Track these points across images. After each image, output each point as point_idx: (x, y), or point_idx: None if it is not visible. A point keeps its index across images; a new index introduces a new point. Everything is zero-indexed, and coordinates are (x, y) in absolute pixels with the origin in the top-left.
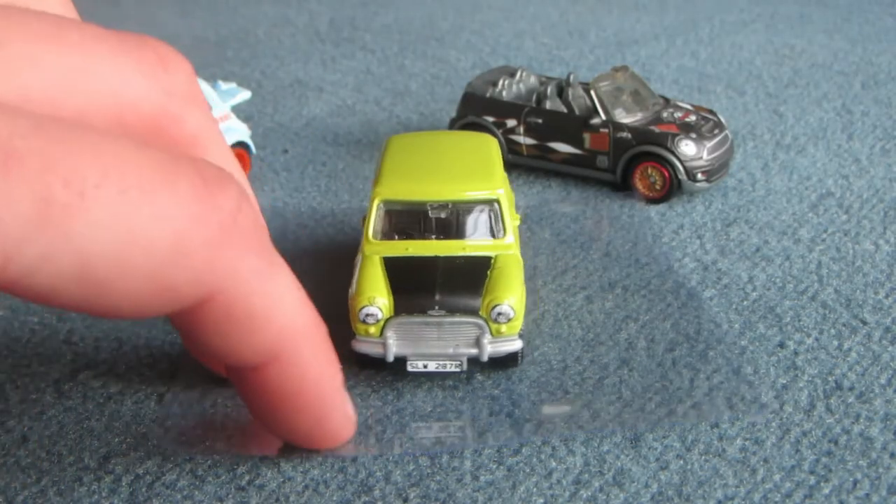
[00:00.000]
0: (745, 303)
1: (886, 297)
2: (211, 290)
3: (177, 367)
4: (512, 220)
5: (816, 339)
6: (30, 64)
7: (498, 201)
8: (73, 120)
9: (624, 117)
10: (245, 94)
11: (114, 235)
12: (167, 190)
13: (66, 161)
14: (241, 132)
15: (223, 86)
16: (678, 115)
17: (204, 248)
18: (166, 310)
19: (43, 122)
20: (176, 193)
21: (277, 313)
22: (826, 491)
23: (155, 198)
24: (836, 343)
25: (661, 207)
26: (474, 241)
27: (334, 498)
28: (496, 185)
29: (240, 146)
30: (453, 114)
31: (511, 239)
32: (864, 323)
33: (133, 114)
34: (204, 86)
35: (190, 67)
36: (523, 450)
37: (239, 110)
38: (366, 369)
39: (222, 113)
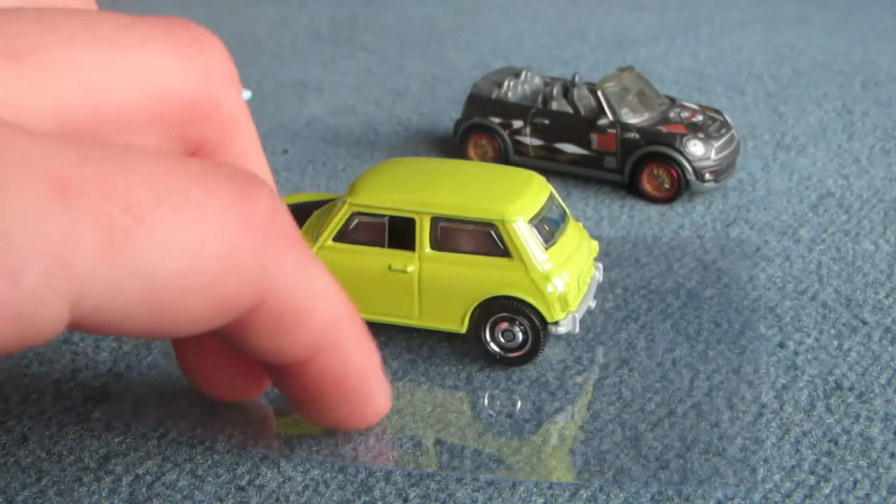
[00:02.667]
0: (745, 303)
1: (886, 297)
2: (263, 293)
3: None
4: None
5: (816, 339)
6: (67, 67)
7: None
8: (114, 124)
9: (631, 118)
10: (245, 94)
11: (175, 255)
12: (211, 201)
13: (121, 186)
14: None
15: None
16: (685, 115)
17: (253, 252)
18: (224, 321)
19: (89, 148)
20: (220, 203)
21: (320, 305)
22: (826, 491)
23: (204, 210)
24: (836, 343)
25: (662, 207)
26: None
27: (334, 498)
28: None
29: None
30: (453, 114)
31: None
32: (864, 323)
33: (174, 102)
34: None
35: (224, 47)
36: (523, 449)
37: None
38: None
39: None
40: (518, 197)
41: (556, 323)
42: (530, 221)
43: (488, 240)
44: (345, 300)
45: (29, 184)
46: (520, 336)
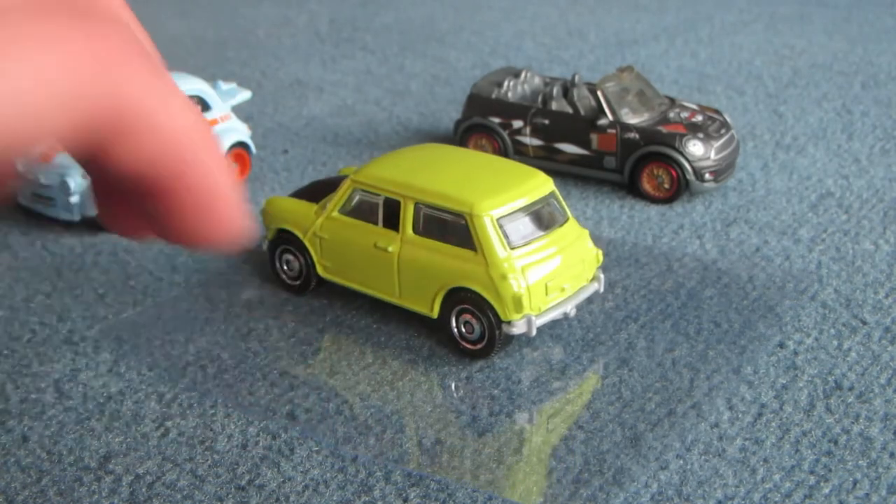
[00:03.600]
0: (744, 302)
1: (886, 296)
2: (115, 105)
3: (177, 367)
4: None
5: (816, 339)
6: None
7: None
8: None
9: (630, 118)
10: (245, 95)
11: (13, 95)
12: (51, 34)
13: None
14: (242, 132)
15: (223, 86)
16: (685, 115)
17: (98, 71)
18: (82, 144)
19: None
20: (59, 34)
21: (171, 119)
22: (826, 491)
23: (43, 45)
24: (835, 343)
25: (662, 207)
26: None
27: (334, 498)
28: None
29: (240, 146)
30: (453, 114)
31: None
32: (864, 323)
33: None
34: (204, 86)
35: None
36: (523, 449)
37: (239, 110)
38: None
39: (223, 113)
40: (498, 192)
41: (509, 322)
42: (503, 218)
43: (463, 231)
44: (199, 112)
45: None
46: (478, 329)
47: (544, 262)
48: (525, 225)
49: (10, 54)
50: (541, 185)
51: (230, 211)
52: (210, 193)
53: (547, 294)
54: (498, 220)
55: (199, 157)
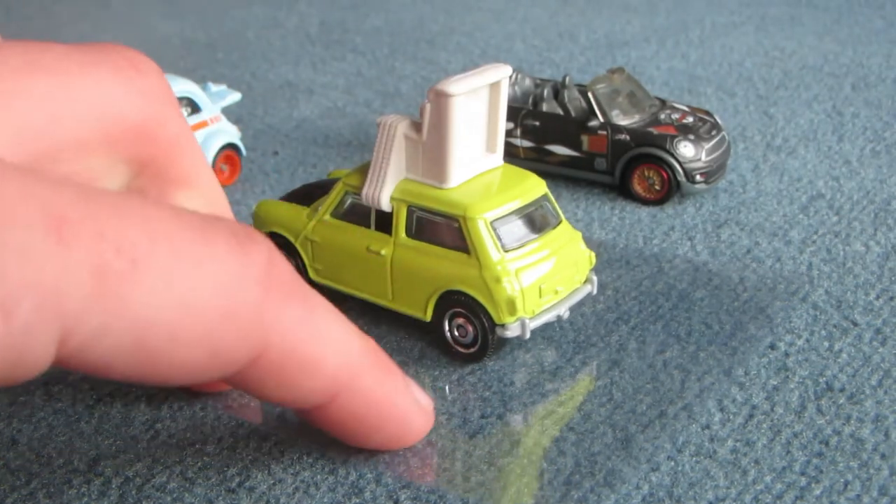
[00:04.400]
0: (735, 304)
1: (877, 298)
2: (260, 346)
3: None
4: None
5: (807, 341)
6: (18, 97)
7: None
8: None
9: (621, 119)
10: (235, 96)
11: (167, 302)
12: (209, 252)
13: (116, 228)
14: (232, 134)
15: (213, 87)
16: (675, 116)
17: (250, 304)
18: (221, 373)
19: (87, 191)
20: (217, 254)
21: (328, 353)
22: (817, 492)
23: (201, 261)
24: (826, 344)
25: (653, 209)
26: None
27: (325, 500)
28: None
29: (230, 148)
30: None
31: None
32: (855, 324)
33: (120, 124)
34: (194, 88)
35: (159, 69)
36: (514, 450)
37: (229, 112)
38: None
39: (213, 115)
40: (492, 195)
41: (503, 325)
42: (497, 221)
43: (456, 234)
44: (359, 343)
45: (26, 220)
46: (471, 333)
47: (538, 264)
48: (518, 227)
49: (169, 261)
50: (533, 187)
51: (401, 422)
52: (375, 415)
53: (541, 297)
54: (492, 222)
55: (359, 388)
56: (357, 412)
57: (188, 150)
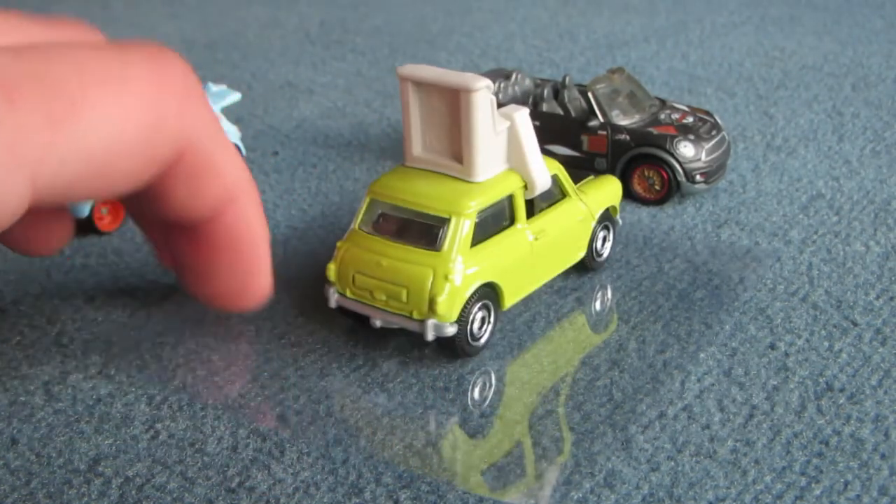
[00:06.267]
0: (735, 304)
1: (877, 298)
2: (183, 144)
3: (167, 370)
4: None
5: (807, 341)
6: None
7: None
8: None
9: (621, 119)
10: (235, 96)
11: (105, 127)
12: (132, 75)
13: (52, 78)
14: (232, 134)
15: (214, 87)
16: (675, 116)
17: (173, 112)
18: (153, 175)
19: (19, 51)
20: (139, 74)
21: (230, 164)
22: (817, 492)
23: (125, 83)
24: (826, 344)
25: (653, 209)
26: None
27: (325, 500)
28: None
29: None
30: None
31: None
32: (855, 324)
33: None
34: None
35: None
36: (514, 451)
37: (229, 112)
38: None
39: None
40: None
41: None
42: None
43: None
44: (246, 168)
45: None
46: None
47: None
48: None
49: (100, 93)
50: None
51: (261, 270)
52: (249, 246)
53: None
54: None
55: (247, 206)
56: (235, 232)
57: (230, 155)
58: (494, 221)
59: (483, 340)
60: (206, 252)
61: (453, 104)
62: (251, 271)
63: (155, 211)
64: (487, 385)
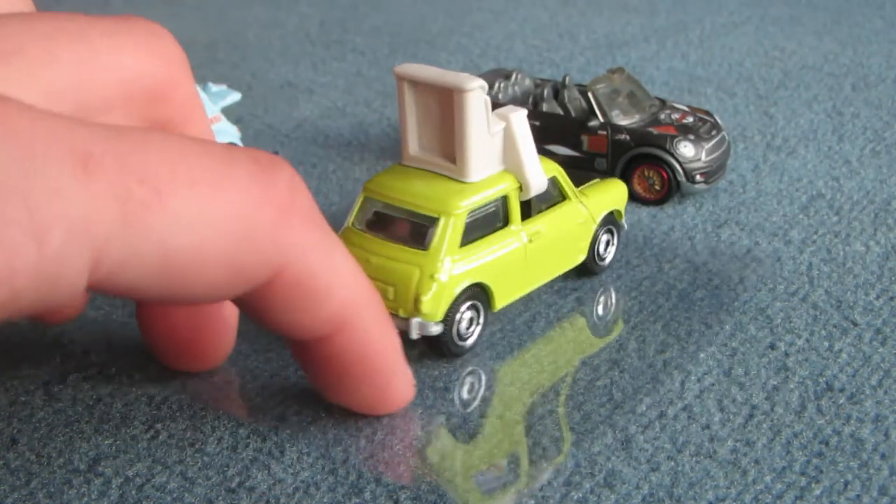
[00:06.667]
0: (735, 304)
1: (877, 298)
2: (278, 266)
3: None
4: None
5: (807, 341)
6: (47, 62)
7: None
8: (117, 117)
9: (621, 119)
10: (235, 96)
11: (189, 226)
12: (229, 178)
13: (138, 160)
14: (232, 134)
15: (213, 87)
16: (675, 116)
17: (269, 227)
18: (239, 291)
19: (110, 128)
20: (238, 180)
21: (340, 284)
22: (817, 492)
23: (221, 187)
24: (826, 344)
25: (653, 209)
26: None
27: (325, 500)
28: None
29: None
30: None
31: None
32: (855, 324)
33: (140, 87)
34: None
35: (174, 38)
36: (514, 450)
37: (229, 112)
38: None
39: (213, 115)
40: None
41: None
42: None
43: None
44: (366, 282)
45: (56, 157)
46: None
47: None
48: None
49: (191, 191)
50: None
51: (392, 380)
52: (371, 364)
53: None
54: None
55: (361, 327)
56: (353, 352)
57: (199, 111)
58: (487, 222)
59: (470, 341)
60: (325, 369)
61: (447, 104)
62: (378, 388)
63: (258, 323)
64: (487, 385)
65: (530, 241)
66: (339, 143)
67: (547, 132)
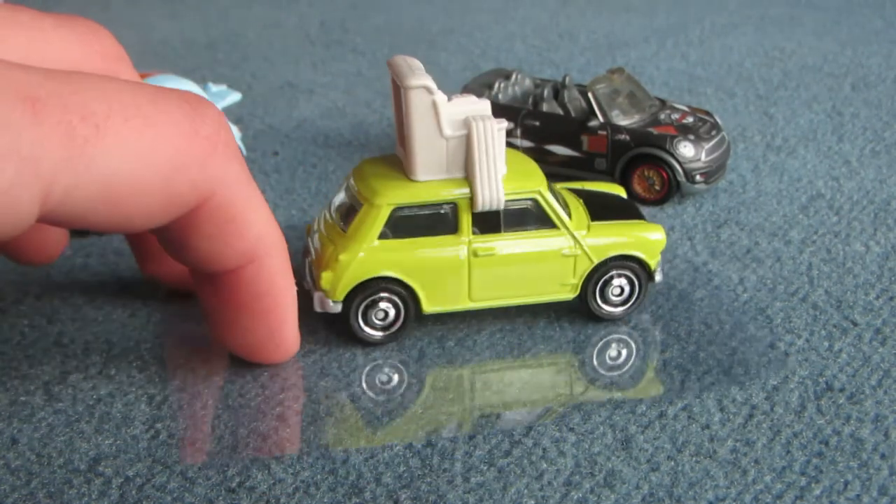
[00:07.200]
0: (735, 304)
1: (877, 298)
2: (207, 192)
3: (167, 369)
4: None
5: (807, 341)
6: (1, 42)
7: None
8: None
9: (621, 119)
10: (235, 96)
11: (126, 158)
12: (163, 114)
13: (79, 101)
14: (232, 134)
15: (213, 88)
16: (675, 116)
17: (199, 157)
18: (170, 217)
19: (52, 72)
20: (170, 115)
21: (257, 219)
22: (817, 492)
23: (154, 122)
24: (826, 344)
25: (653, 209)
26: None
27: (325, 500)
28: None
29: None
30: None
31: None
32: (855, 324)
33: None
34: (194, 88)
35: (112, 35)
36: (514, 451)
37: (229, 112)
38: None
39: None
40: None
41: None
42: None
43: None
44: (277, 225)
45: (7, 101)
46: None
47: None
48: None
49: (126, 126)
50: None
51: (284, 328)
52: (270, 304)
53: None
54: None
55: (270, 265)
56: (258, 285)
57: None
58: (429, 224)
59: (384, 334)
60: (228, 304)
61: (405, 103)
62: (272, 329)
63: (176, 256)
64: (487, 385)
65: (475, 255)
66: (339, 143)
67: (547, 132)
